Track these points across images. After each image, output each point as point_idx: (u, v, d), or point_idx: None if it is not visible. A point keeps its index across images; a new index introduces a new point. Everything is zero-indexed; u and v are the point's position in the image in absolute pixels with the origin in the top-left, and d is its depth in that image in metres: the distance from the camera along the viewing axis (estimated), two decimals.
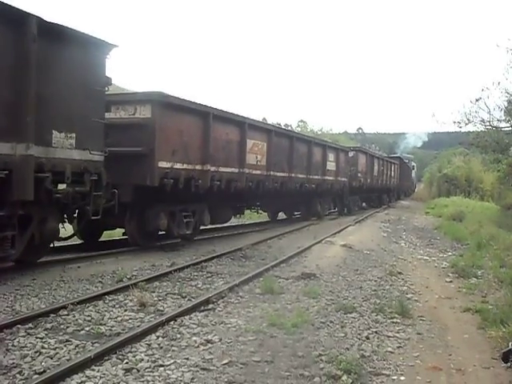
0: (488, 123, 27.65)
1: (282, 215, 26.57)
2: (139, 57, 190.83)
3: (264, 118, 57.08)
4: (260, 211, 23.82)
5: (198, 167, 14.21)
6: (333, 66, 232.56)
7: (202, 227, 16.29)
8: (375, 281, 10.79)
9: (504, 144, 27.64)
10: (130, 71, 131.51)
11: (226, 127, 15.87)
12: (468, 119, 27.82)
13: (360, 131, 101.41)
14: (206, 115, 14.43)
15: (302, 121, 78.93)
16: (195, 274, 10.80)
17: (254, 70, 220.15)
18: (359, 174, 31.39)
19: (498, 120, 27.52)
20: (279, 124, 57.84)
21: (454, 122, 28.53)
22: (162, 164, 12.78)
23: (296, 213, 26.41)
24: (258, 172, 18.06)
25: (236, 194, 16.90)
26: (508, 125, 27.79)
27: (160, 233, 14.58)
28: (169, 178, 12.90)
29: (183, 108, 13.56)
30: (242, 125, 16.76)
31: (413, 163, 64.41)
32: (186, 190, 13.76)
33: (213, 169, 14.80)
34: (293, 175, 21.06)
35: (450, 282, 11.46)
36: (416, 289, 10.54)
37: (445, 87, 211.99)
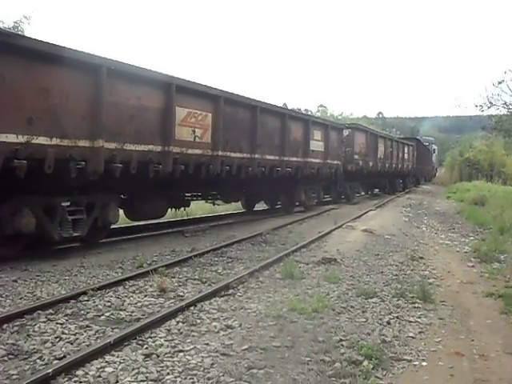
0: (511, 106, 27.27)
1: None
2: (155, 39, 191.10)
3: (284, 104, 56.91)
4: (218, 202, 18.86)
5: (83, 143, 9.99)
6: (354, 51, 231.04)
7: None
8: (396, 265, 10.71)
9: None
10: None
11: (138, 88, 11.39)
12: (490, 102, 27.50)
13: (380, 115, 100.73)
14: (95, 69, 10.16)
15: (321, 105, 78.75)
16: (215, 259, 10.79)
17: (275, 56, 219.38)
18: (356, 156, 26.81)
19: None
20: (299, 109, 57.58)
21: (476, 106, 28.21)
22: (8, 138, 8.66)
23: (279, 202, 22.36)
24: (198, 152, 13.49)
25: (168, 181, 12.94)
26: None
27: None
28: (21, 159, 8.79)
29: (49, 56, 9.22)
30: (167, 87, 12.21)
31: (434, 146, 63.31)
32: (65, 176, 9.74)
33: (111, 146, 10.58)
34: (256, 156, 16.32)
35: (472, 266, 11.33)
36: (438, 273, 10.43)
37: (467, 70, 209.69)
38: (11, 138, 8.72)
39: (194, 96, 13.33)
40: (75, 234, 10.68)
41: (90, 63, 10.07)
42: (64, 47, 9.54)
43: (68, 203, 10.66)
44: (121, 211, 12.79)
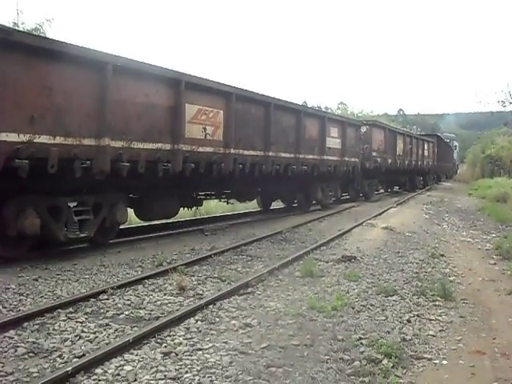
0: None
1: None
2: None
3: (304, 101, 56.78)
4: (231, 201, 18.35)
5: (88, 142, 9.71)
6: (375, 48, 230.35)
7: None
8: (417, 263, 10.63)
9: None
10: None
11: (146, 86, 11.11)
12: None
13: (401, 112, 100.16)
14: (101, 66, 9.86)
15: (342, 103, 78.57)
16: (235, 257, 10.79)
17: (296, 54, 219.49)
18: (374, 153, 26.14)
19: None
20: (319, 107, 57.22)
21: (498, 102, 27.91)
22: (8, 137, 8.39)
23: (296, 201, 21.80)
24: (209, 149, 13.13)
25: (179, 180, 12.68)
26: None
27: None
28: (22, 158, 8.52)
29: (51, 53, 8.94)
30: (177, 84, 11.84)
31: (455, 143, 62.90)
32: (70, 176, 9.50)
33: (118, 144, 10.31)
34: (270, 154, 15.83)
35: (494, 264, 11.22)
36: (459, 271, 10.34)
37: (489, 65, 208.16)
38: (12, 137, 8.46)
39: (205, 93, 12.94)
40: (82, 235, 10.40)
41: (94, 60, 9.79)
42: (67, 43, 9.29)
43: (75, 203, 10.46)
44: (131, 211, 12.70)
